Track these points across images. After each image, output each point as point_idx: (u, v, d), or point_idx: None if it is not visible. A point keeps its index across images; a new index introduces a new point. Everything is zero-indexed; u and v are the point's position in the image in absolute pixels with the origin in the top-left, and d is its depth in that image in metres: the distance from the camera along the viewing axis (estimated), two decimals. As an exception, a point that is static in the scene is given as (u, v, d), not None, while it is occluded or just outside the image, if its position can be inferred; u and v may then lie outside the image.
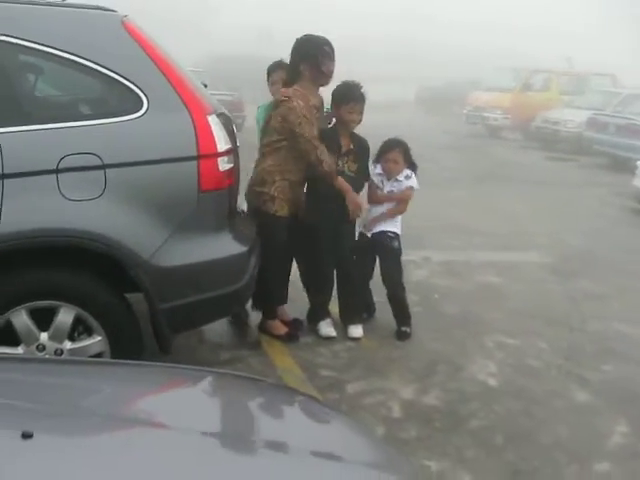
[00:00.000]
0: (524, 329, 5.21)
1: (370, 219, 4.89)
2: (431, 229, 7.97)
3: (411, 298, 5.65)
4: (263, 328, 4.84)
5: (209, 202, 3.49)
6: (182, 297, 3.47)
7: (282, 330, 4.78)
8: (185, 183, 3.43)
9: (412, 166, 4.89)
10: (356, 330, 4.83)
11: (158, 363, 2.48)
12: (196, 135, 3.40)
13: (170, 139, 3.42)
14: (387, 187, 4.83)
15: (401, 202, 4.85)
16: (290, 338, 4.72)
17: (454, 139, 18.51)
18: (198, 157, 3.41)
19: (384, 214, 4.84)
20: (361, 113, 4.60)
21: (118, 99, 3.45)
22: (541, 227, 8.66)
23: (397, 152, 4.78)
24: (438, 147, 15.86)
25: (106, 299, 3.41)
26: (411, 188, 4.84)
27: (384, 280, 4.93)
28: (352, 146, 4.67)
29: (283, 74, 4.76)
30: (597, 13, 40.84)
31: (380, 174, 4.83)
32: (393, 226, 4.87)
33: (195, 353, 4.49)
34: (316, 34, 4.63)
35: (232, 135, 3.83)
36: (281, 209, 4.52)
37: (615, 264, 7.06)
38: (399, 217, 4.93)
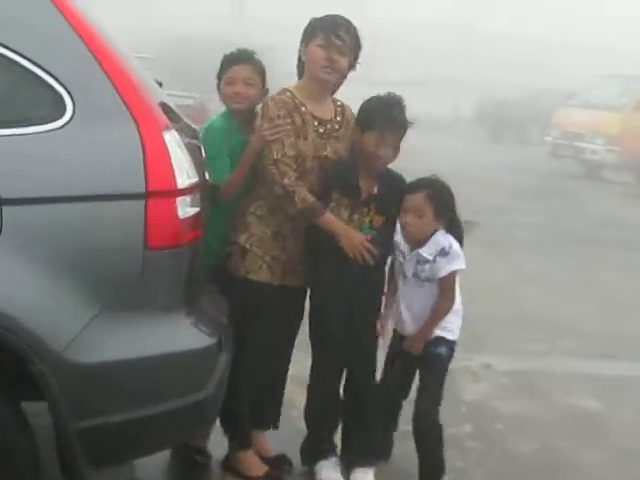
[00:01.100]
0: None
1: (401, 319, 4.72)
2: (495, 321, 7.96)
3: (462, 428, 5.63)
4: (230, 465, 4.78)
5: (160, 266, 3.47)
6: (111, 412, 3.40)
7: (260, 470, 4.72)
8: (124, 235, 3.41)
9: (454, 227, 4.62)
10: (365, 476, 4.77)
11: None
12: (145, 160, 3.39)
13: (105, 165, 3.40)
14: (409, 268, 4.57)
15: (444, 295, 4.56)
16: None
17: (533, 181, 18.62)
18: (147, 195, 3.39)
19: (424, 320, 4.61)
20: (397, 147, 4.52)
21: (27, 100, 3.44)
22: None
23: (423, 198, 4.46)
24: (509, 192, 15.97)
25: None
26: (454, 273, 4.55)
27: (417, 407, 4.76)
28: (377, 190, 4.59)
29: (250, 70, 4.70)
30: None
31: (400, 242, 4.62)
32: (440, 327, 4.65)
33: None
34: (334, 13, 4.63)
35: (200, 163, 3.84)
36: (257, 271, 4.50)
37: None
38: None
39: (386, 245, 4.61)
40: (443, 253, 4.41)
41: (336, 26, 4.37)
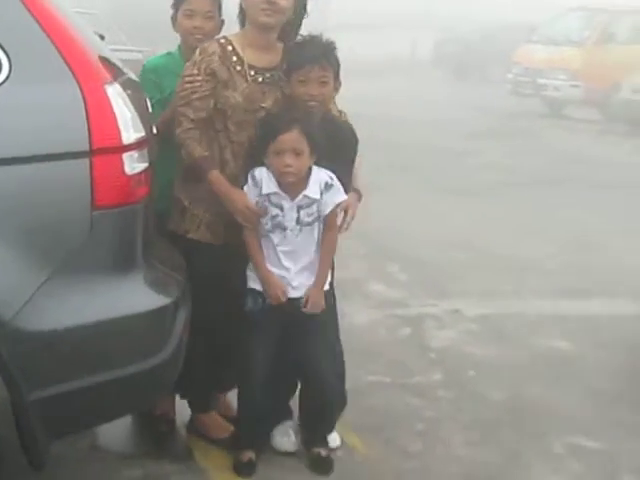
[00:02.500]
0: (612, 423, 5.21)
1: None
2: (459, 266, 8.01)
3: (432, 377, 5.66)
4: (195, 428, 4.80)
5: (109, 225, 3.45)
6: (66, 380, 3.39)
7: (225, 431, 4.75)
8: (70, 195, 3.38)
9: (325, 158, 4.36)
10: (332, 438, 4.77)
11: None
12: (87, 116, 3.35)
13: (45, 124, 3.36)
14: (289, 218, 4.30)
15: (332, 231, 4.42)
16: (236, 444, 4.65)
17: (494, 120, 18.66)
18: (91, 152, 3.36)
19: (313, 265, 4.41)
20: (324, 83, 4.33)
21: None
22: (633, 260, 8.73)
23: (298, 135, 4.19)
24: (470, 134, 16.00)
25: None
26: (338, 207, 4.38)
27: (305, 364, 4.60)
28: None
29: (209, 5, 4.63)
30: None
31: (274, 194, 4.28)
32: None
33: (85, 469, 4.44)
34: None
35: (146, 117, 3.80)
36: (195, 230, 4.44)
37: None
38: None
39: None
40: (327, 187, 4.26)
41: None
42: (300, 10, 4.44)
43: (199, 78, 4.26)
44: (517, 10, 29.24)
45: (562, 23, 21.72)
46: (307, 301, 4.33)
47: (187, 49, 4.63)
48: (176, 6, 4.69)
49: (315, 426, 4.66)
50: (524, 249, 8.72)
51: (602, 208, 10.83)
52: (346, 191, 4.42)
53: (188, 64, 4.34)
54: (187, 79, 4.29)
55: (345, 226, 4.48)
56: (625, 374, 5.96)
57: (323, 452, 4.56)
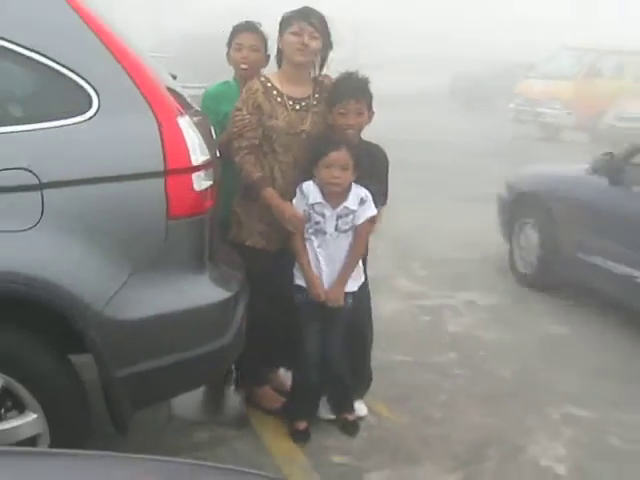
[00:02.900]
0: (600, 396, 5.18)
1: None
2: (472, 265, 7.99)
3: (448, 355, 5.65)
4: (252, 400, 4.80)
5: (181, 232, 3.48)
6: (146, 360, 3.43)
7: (276, 402, 4.74)
8: (149, 208, 3.42)
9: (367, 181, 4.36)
10: (360, 408, 4.75)
11: (111, 453, 2.42)
12: (163, 143, 3.39)
13: (129, 149, 3.41)
14: (330, 225, 4.30)
15: (361, 240, 4.40)
16: (292, 414, 4.63)
17: (499, 143, 18.54)
18: (166, 173, 3.39)
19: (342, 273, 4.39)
20: (360, 115, 4.35)
21: (59, 96, 3.42)
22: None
23: (345, 152, 4.19)
24: (480, 154, 15.92)
25: (43, 364, 3.37)
26: (370, 220, 4.36)
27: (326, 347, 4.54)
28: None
29: (255, 39, 4.71)
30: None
31: (319, 203, 4.27)
32: (352, 283, 4.46)
33: (162, 434, 4.45)
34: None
35: (211, 143, 3.82)
36: (251, 238, 4.44)
37: None
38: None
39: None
40: (362, 202, 4.27)
41: (306, 15, 4.32)
42: (327, 49, 4.45)
43: (247, 115, 4.30)
44: (519, 51, 29.02)
45: (556, 61, 21.57)
46: (328, 297, 4.34)
47: (239, 77, 4.74)
48: (229, 43, 4.80)
49: (337, 397, 4.64)
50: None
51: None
52: (380, 202, 4.48)
53: (237, 104, 4.37)
54: (237, 118, 4.32)
55: (372, 232, 4.51)
56: (612, 356, 5.90)
57: (350, 417, 4.57)
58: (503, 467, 4.29)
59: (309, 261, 4.33)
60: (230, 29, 4.82)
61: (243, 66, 4.68)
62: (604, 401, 5.09)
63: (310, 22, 4.30)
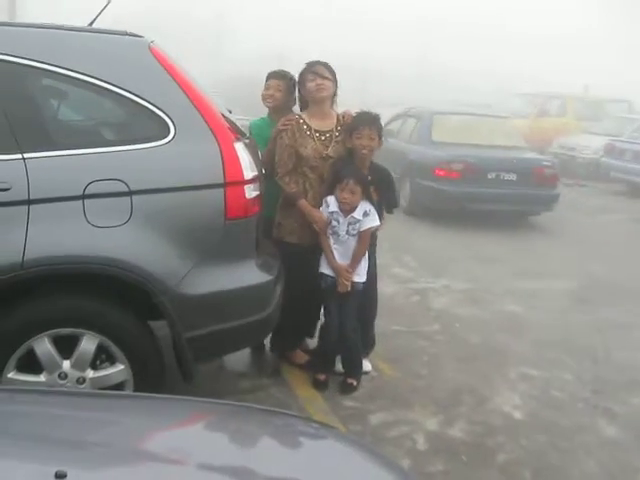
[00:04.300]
0: (547, 359, 5.17)
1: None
2: (450, 258, 8.02)
3: (432, 326, 5.65)
4: (284, 357, 4.80)
5: (235, 230, 3.47)
6: (207, 326, 3.44)
7: (303, 359, 4.75)
8: (212, 210, 3.41)
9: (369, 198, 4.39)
10: (365, 365, 4.72)
11: (180, 397, 2.43)
12: (223, 162, 3.39)
13: (197, 166, 3.41)
14: (342, 229, 4.33)
15: (363, 242, 4.37)
16: (314, 368, 4.63)
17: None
18: (225, 184, 3.39)
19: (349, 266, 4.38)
20: (372, 139, 4.36)
21: (145, 125, 3.43)
22: (560, 254, 8.61)
23: (354, 182, 4.24)
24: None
25: (130, 327, 3.39)
26: (370, 230, 4.37)
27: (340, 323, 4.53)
28: (370, 177, 4.44)
29: (280, 83, 4.71)
30: (613, 39, 40.95)
31: (336, 212, 4.32)
32: (359, 274, 4.44)
33: (216, 382, 4.45)
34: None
35: (258, 162, 3.82)
36: (288, 235, 4.46)
37: (637, 292, 6.98)
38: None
39: (379, 212, 4.49)
40: (366, 214, 4.30)
41: (317, 65, 4.38)
42: (335, 89, 4.45)
43: (282, 127, 4.38)
44: (479, 94, 28.64)
45: (512, 103, 21.43)
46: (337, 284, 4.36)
47: (270, 114, 4.77)
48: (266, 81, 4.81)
49: (348, 357, 4.59)
50: (492, 246, 8.66)
51: (540, 222, 10.66)
52: (390, 209, 4.63)
53: (275, 131, 4.43)
54: (279, 127, 4.41)
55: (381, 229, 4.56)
56: (558, 328, 5.89)
57: (349, 380, 4.51)
58: (474, 411, 4.29)
59: (334, 255, 4.35)
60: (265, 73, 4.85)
61: (269, 100, 4.71)
62: (549, 363, 5.09)
63: (321, 68, 4.37)
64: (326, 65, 4.41)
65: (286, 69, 4.87)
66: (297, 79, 4.48)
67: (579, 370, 4.99)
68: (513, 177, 10.04)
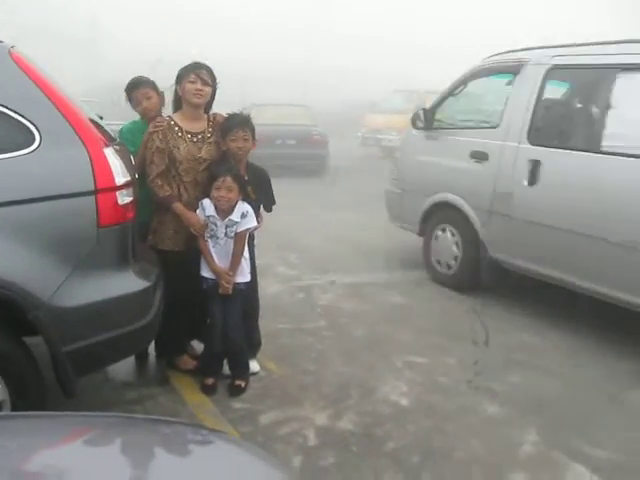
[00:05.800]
0: (430, 346, 5.31)
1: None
2: (332, 255, 8.13)
3: (319, 323, 5.70)
4: (172, 364, 4.72)
5: (109, 237, 3.39)
6: (86, 338, 3.34)
7: (190, 364, 4.69)
8: (83, 219, 3.32)
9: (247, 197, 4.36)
10: (253, 366, 4.72)
11: (61, 412, 2.35)
12: (93, 169, 3.30)
13: (65, 174, 3.30)
14: (220, 232, 4.29)
15: (241, 243, 4.34)
16: (202, 373, 4.57)
17: (351, 161, 18.79)
18: (96, 191, 3.30)
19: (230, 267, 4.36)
20: (246, 140, 4.36)
21: (8, 134, 3.28)
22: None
23: (232, 179, 4.19)
24: (335, 169, 16.11)
25: (2, 345, 3.24)
26: (247, 231, 4.34)
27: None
28: (247, 177, 4.42)
29: (149, 90, 4.66)
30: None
31: (213, 216, 4.27)
32: (242, 274, 4.43)
33: (101, 393, 4.34)
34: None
35: (130, 167, 3.74)
36: (162, 242, 4.39)
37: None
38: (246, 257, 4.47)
39: (257, 211, 4.48)
40: (244, 216, 4.27)
41: (199, 67, 4.32)
42: (214, 93, 4.42)
43: (152, 129, 4.32)
44: (362, 92, 29.20)
45: (391, 99, 21.90)
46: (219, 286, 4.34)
47: (143, 118, 4.69)
48: (128, 96, 4.77)
49: (234, 359, 4.57)
50: (373, 243, 8.80)
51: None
52: (268, 208, 4.63)
53: (146, 135, 4.34)
54: (150, 128, 4.33)
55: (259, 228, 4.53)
56: (436, 316, 6.07)
57: (237, 382, 4.49)
58: (362, 403, 4.35)
59: (213, 258, 4.31)
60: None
61: (139, 111, 4.68)
62: (433, 350, 5.23)
63: (202, 72, 4.30)
64: (209, 70, 4.35)
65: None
66: (177, 74, 4.37)
67: (460, 354, 5.16)
68: (294, 142, 16.23)
